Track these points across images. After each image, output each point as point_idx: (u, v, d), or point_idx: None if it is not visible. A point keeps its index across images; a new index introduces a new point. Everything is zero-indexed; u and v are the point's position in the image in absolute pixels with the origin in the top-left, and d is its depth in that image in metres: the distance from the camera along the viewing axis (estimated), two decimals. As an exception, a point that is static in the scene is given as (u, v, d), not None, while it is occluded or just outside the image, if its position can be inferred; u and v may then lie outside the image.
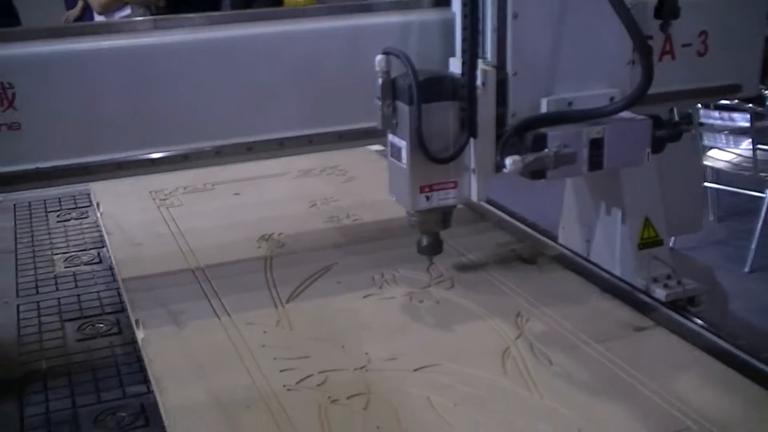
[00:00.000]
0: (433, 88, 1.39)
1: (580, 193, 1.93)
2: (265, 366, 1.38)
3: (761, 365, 1.41)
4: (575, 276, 1.74)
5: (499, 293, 1.66)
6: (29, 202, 2.34)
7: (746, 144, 4.49)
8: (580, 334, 1.48)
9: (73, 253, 2.00)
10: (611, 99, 1.45)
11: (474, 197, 1.48)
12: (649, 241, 1.81)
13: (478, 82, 1.39)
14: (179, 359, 1.42)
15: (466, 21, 1.36)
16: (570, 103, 1.44)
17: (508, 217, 2.07)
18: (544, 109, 1.43)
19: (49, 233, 2.14)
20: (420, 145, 1.39)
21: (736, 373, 1.37)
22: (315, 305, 1.61)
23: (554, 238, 1.98)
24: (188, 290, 1.68)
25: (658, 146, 1.49)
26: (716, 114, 4.33)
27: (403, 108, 1.39)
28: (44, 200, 2.35)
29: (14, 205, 2.32)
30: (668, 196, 1.87)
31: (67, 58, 1.42)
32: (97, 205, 2.20)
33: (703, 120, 4.48)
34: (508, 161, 1.35)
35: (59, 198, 2.37)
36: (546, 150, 1.36)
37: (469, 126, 1.40)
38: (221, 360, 1.41)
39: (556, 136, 1.37)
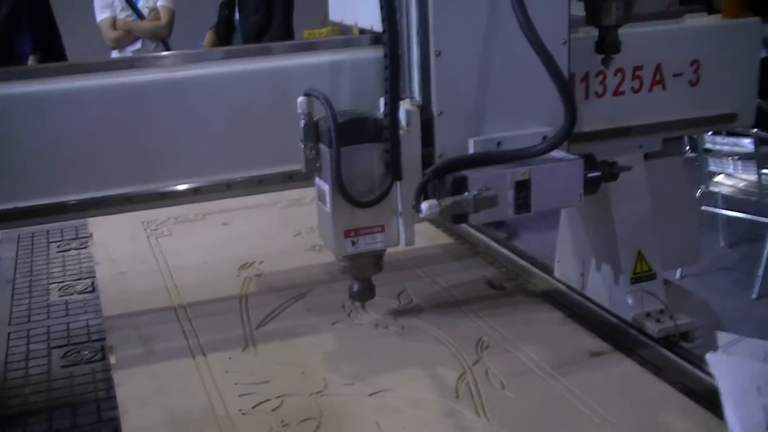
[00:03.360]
0: (354, 129, 1.34)
1: (575, 225, 1.90)
2: (226, 390, 1.44)
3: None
4: (542, 302, 1.77)
5: (464, 319, 1.70)
6: (32, 233, 2.43)
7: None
8: (537, 359, 1.51)
9: (68, 283, 2.08)
10: (544, 138, 1.38)
11: (402, 242, 1.44)
12: (642, 275, 1.78)
13: (402, 122, 1.36)
14: (145, 383, 1.48)
15: (386, 60, 1.32)
16: (499, 143, 1.40)
17: (506, 251, 2.06)
18: (471, 149, 1.39)
19: (48, 263, 2.22)
20: (340, 188, 1.34)
21: (688, 399, 1.38)
22: (282, 332, 1.66)
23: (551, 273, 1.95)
24: (163, 317, 1.75)
25: (591, 187, 1.44)
26: (722, 139, 4.33)
27: (325, 151, 1.36)
28: (47, 231, 2.43)
29: (18, 235, 2.41)
30: (663, 228, 1.83)
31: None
32: (90, 235, 2.29)
33: (708, 146, 4.48)
34: (424, 206, 1.31)
35: (62, 229, 2.45)
36: (465, 193, 1.31)
37: (393, 168, 1.36)
38: (184, 384, 1.47)
39: (477, 179, 1.31)
